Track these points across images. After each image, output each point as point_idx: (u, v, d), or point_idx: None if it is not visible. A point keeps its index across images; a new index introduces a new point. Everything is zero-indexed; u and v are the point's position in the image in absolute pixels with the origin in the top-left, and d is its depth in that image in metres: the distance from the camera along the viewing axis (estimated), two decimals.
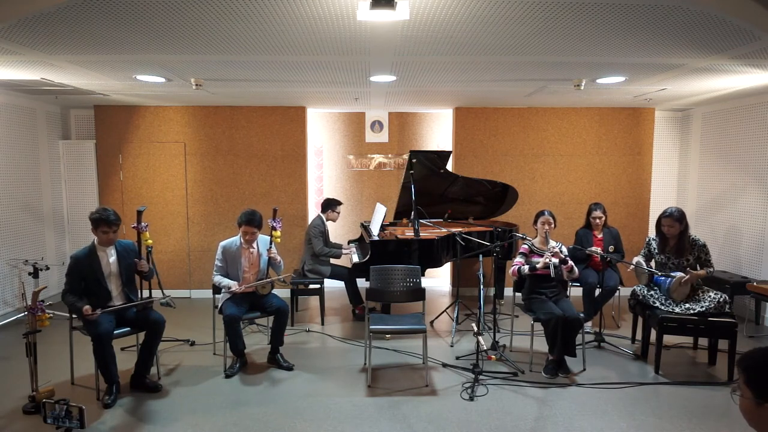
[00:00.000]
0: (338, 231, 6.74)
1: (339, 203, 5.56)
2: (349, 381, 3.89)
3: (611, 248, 4.91)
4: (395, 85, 4.91)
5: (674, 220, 4.05)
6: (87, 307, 3.44)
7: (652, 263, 4.34)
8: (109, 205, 4.99)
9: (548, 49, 3.53)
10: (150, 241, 3.91)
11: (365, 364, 4.16)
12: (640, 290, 4.23)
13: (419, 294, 4.14)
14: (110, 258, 3.69)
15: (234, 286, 4.04)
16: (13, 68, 4.13)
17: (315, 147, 6.81)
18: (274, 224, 4.22)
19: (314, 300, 5.84)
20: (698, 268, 4.08)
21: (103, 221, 3.57)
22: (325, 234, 5.43)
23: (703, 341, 4.39)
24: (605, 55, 3.71)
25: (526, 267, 4.20)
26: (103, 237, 3.61)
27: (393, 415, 3.33)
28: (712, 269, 4.07)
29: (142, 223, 3.80)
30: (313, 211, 6.59)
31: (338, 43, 3.40)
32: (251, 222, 4.10)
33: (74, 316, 3.69)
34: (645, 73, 4.29)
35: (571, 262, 4.20)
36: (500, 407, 3.44)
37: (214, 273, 4.19)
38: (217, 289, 4.22)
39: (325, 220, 5.48)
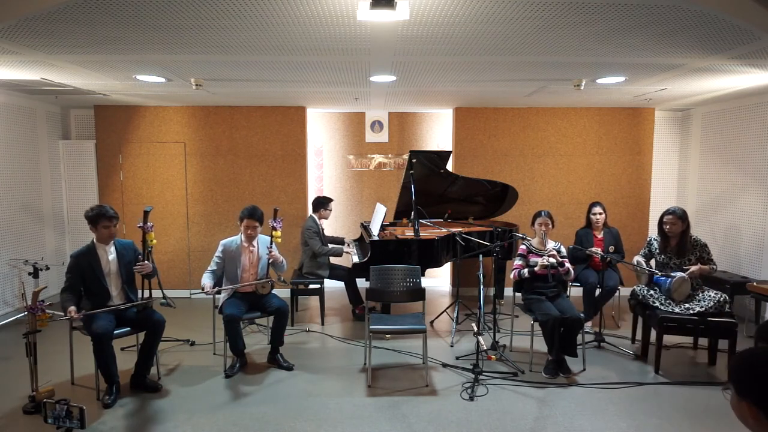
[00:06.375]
0: (338, 231, 6.74)
1: (330, 200, 5.55)
2: (349, 381, 3.89)
3: (611, 248, 4.91)
4: (395, 85, 4.91)
5: (677, 217, 4.07)
6: (72, 308, 3.40)
7: (652, 263, 4.35)
8: (109, 205, 4.99)
9: (548, 49, 3.53)
10: (154, 242, 3.93)
11: (365, 364, 4.16)
12: (640, 290, 4.23)
13: (419, 294, 4.14)
14: (110, 256, 3.70)
15: (207, 287, 4.00)
16: (13, 68, 4.13)
17: (315, 147, 6.81)
18: (275, 224, 4.23)
19: (314, 300, 5.84)
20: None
21: (103, 216, 3.59)
22: (320, 234, 5.41)
23: (703, 341, 4.39)
24: (605, 55, 3.71)
25: (526, 270, 4.21)
26: (104, 232, 3.62)
27: (393, 415, 3.33)
28: (715, 266, 4.09)
29: (148, 223, 3.80)
30: None
31: (338, 43, 3.40)
32: (253, 215, 4.13)
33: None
34: (645, 73, 4.29)
35: (567, 265, 4.20)
36: (500, 407, 3.44)
37: (207, 270, 4.18)
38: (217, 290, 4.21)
39: (318, 219, 5.46)
